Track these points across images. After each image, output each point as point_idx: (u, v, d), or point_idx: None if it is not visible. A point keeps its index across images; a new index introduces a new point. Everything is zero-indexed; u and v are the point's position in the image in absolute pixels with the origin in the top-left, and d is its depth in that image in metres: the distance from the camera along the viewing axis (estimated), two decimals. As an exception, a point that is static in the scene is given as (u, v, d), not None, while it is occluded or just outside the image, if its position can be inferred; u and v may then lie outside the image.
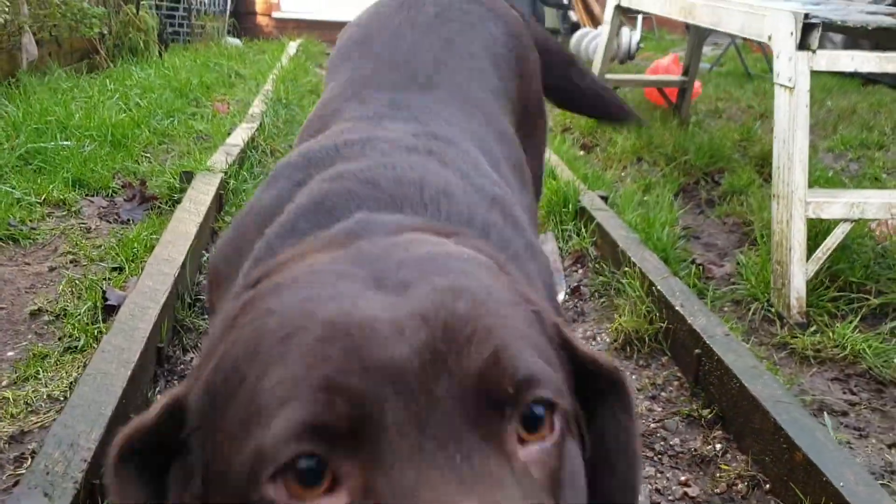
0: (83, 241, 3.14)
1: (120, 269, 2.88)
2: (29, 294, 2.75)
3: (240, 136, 3.92)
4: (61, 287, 2.76)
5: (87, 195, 3.62)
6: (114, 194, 3.68)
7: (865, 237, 3.04)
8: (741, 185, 3.96)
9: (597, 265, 2.99)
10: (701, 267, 3.14)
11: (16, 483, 1.87)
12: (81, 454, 1.57)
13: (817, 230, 2.87)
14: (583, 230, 3.18)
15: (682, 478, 1.97)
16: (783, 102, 2.75)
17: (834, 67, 2.77)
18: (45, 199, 3.46)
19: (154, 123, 4.68)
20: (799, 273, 2.66)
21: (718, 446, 2.06)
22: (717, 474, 1.96)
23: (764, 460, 1.91)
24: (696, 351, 2.24)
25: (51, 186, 3.54)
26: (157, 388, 2.15)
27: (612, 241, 2.92)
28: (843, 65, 2.78)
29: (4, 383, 2.27)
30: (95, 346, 2.35)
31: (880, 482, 1.96)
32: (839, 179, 4.05)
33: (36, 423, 2.09)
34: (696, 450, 2.06)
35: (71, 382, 2.22)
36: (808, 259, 2.70)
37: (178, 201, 3.34)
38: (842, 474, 1.67)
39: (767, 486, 1.88)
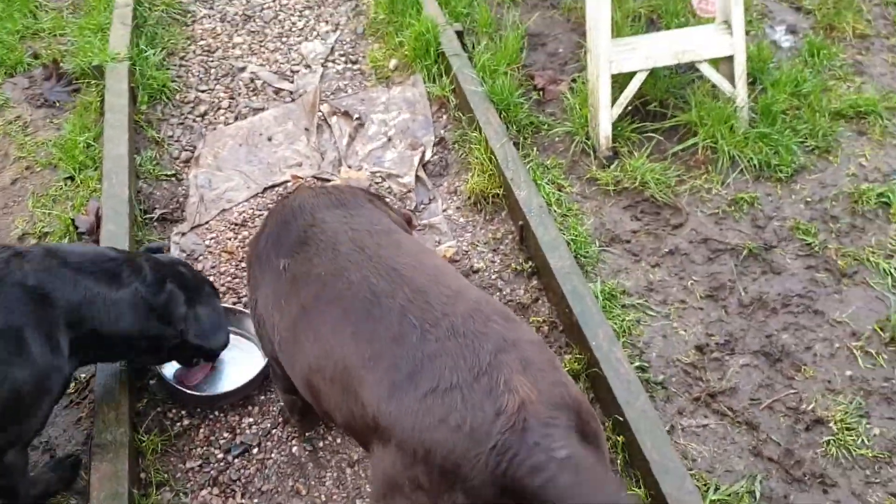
0: (27, 141, 3.70)
1: (72, 178, 3.52)
2: (7, 214, 3.44)
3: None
4: (31, 204, 3.43)
5: (6, 76, 4.05)
6: (30, 68, 4.09)
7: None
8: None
9: (457, 113, 3.70)
10: (542, 91, 3.86)
11: (72, 402, 2.81)
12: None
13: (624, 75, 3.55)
14: (444, 76, 3.80)
15: (509, 323, 2.98)
16: (590, -23, 3.29)
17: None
18: (-27, 92, 3.92)
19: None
20: (606, 119, 3.43)
21: (534, 295, 3.04)
22: (532, 318, 2.97)
23: (558, 311, 2.91)
24: (520, 222, 3.12)
25: (-28, 73, 3.97)
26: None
27: (465, 95, 3.60)
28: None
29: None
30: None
31: (637, 301, 3.00)
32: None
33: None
34: (519, 298, 3.04)
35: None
36: (613, 104, 3.45)
37: (91, 80, 3.82)
38: (595, 334, 2.68)
39: (561, 329, 2.90)
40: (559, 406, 1.64)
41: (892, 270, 3.07)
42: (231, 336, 2.79)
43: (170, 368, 2.78)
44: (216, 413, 2.74)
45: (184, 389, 2.71)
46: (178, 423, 2.71)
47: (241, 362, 2.83)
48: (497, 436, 1.59)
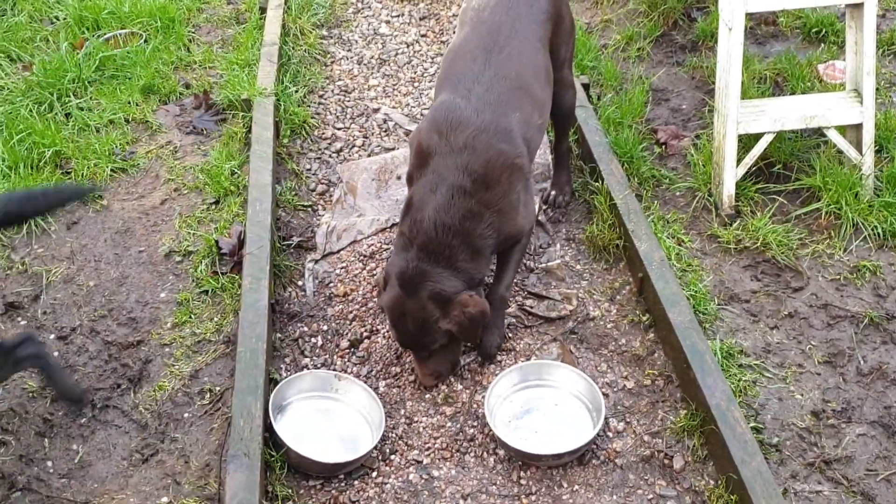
0: (176, 165, 3.99)
1: (217, 202, 3.78)
2: (156, 232, 3.71)
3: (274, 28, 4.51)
4: (177, 224, 3.70)
5: (161, 103, 4.38)
6: (181, 97, 4.42)
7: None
8: (713, 29, 4.51)
9: (579, 162, 3.81)
10: (664, 146, 3.94)
11: (206, 412, 3.02)
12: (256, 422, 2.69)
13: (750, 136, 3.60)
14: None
15: (624, 373, 3.05)
16: (724, 39, 3.37)
17: (766, 8, 3.36)
18: (130, 117, 4.25)
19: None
20: (730, 178, 3.49)
21: (650, 347, 3.10)
22: (646, 370, 3.03)
23: (674, 366, 2.96)
24: (640, 275, 3.19)
25: (129, 99, 4.30)
26: (277, 333, 3.21)
27: (589, 145, 3.71)
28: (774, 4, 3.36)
29: (169, 325, 3.33)
30: (221, 293, 3.37)
31: (754, 361, 3.02)
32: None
33: (202, 362, 3.19)
34: (634, 349, 3.10)
35: (217, 325, 3.27)
36: (738, 164, 3.50)
37: (237, 111, 4.11)
38: (713, 392, 2.72)
39: (677, 384, 2.95)
40: None
41: None
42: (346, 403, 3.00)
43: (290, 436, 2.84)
44: (339, 435, 2.89)
45: (308, 457, 2.76)
46: (305, 442, 2.87)
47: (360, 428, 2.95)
48: None
